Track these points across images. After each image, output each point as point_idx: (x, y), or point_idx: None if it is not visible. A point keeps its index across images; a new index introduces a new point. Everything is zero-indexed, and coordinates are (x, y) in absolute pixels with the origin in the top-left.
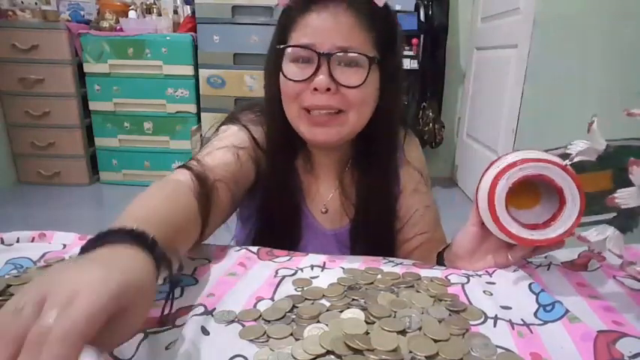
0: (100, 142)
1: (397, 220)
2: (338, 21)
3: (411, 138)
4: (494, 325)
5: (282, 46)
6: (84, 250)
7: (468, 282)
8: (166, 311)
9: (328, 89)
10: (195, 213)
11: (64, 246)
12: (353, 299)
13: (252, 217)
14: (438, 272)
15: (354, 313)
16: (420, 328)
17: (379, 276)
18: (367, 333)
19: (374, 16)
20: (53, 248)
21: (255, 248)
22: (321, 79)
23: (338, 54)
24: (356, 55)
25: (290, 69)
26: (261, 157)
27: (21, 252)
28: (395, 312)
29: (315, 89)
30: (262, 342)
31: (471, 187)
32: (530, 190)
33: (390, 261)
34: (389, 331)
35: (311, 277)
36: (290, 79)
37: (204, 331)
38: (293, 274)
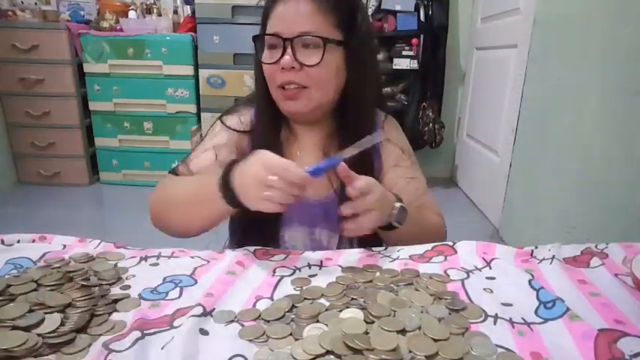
0: (100, 142)
1: None
2: (298, 9)
3: (390, 119)
4: (494, 324)
5: (253, 36)
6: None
7: (467, 277)
8: (165, 312)
9: (293, 68)
10: None
11: (64, 246)
12: (352, 299)
13: None
14: (437, 267)
15: (353, 313)
16: (419, 328)
17: (378, 274)
18: (367, 332)
19: (334, 1)
20: (53, 248)
21: (252, 248)
22: (286, 59)
23: (297, 38)
24: (311, 37)
25: (265, 55)
26: (243, 139)
27: (21, 252)
28: (394, 311)
29: (283, 68)
30: (262, 342)
31: (470, 187)
32: None
33: (386, 256)
34: (388, 331)
35: (309, 276)
36: (265, 63)
37: (203, 332)
38: (291, 274)
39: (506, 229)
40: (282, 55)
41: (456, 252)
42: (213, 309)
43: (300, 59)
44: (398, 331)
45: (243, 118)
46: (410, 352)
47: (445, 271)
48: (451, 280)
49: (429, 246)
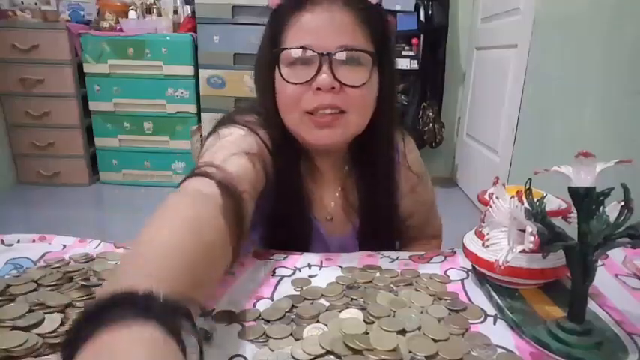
0: (100, 143)
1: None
2: (335, 19)
3: (408, 141)
4: (494, 324)
5: (279, 50)
6: (76, 332)
7: (467, 277)
8: None
9: (332, 88)
10: (224, 239)
11: (64, 246)
12: (352, 299)
13: (257, 226)
14: (436, 267)
15: (353, 313)
16: (419, 328)
17: (378, 274)
18: (367, 333)
19: (369, 13)
20: (53, 248)
21: (250, 249)
22: (325, 77)
23: (339, 53)
24: (359, 52)
25: (287, 72)
26: (269, 162)
27: (21, 252)
28: (394, 311)
29: (318, 89)
30: (262, 342)
31: (470, 187)
32: None
33: (386, 256)
34: (388, 331)
35: (309, 276)
36: (290, 82)
37: (205, 336)
38: (291, 274)
39: None
40: (317, 72)
41: (454, 252)
42: (213, 309)
43: (342, 78)
44: (398, 332)
45: (268, 133)
46: (410, 352)
47: (445, 272)
48: (451, 281)
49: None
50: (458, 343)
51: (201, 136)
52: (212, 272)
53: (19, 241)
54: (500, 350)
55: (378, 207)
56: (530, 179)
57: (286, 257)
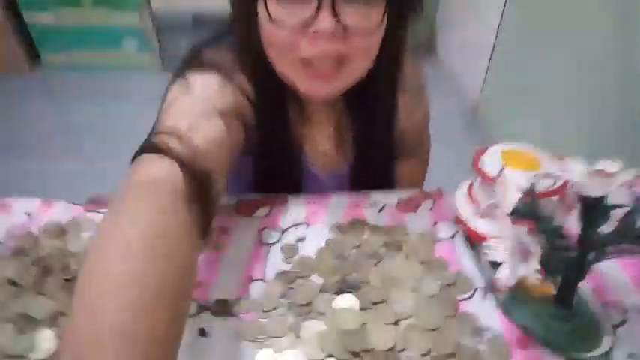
0: (30, 18)
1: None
2: None
3: (408, 60)
4: (483, 298)
5: None
6: None
7: (456, 233)
8: None
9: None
10: (191, 246)
11: (29, 215)
12: (345, 278)
13: (242, 175)
14: (425, 218)
15: (348, 301)
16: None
17: (366, 235)
18: (364, 324)
19: None
20: (15, 220)
21: (233, 200)
22: (326, 21)
23: None
24: None
25: (277, 10)
26: (251, 113)
27: None
28: (387, 297)
29: (315, 32)
30: (261, 340)
31: (450, 56)
32: None
33: (372, 205)
34: (384, 324)
35: (297, 241)
36: (279, 23)
37: (202, 333)
38: (278, 240)
39: (485, 112)
40: (317, 12)
41: (441, 194)
42: (207, 301)
43: (349, 21)
44: (393, 323)
45: (249, 76)
46: (404, 349)
47: (434, 224)
48: (440, 239)
49: (415, 191)
50: (449, 331)
51: (151, 12)
52: (182, 300)
53: None
54: (488, 335)
55: (375, 145)
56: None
57: (270, 212)
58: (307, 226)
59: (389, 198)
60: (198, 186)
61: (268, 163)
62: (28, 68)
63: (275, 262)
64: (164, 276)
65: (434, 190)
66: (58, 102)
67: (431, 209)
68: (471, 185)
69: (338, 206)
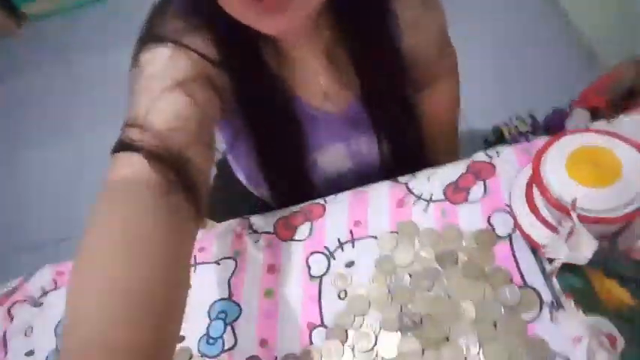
0: None
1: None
2: None
3: None
4: (552, 319)
5: None
6: None
7: (513, 231)
8: None
9: None
10: (181, 240)
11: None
12: (403, 313)
13: (239, 138)
14: (477, 211)
15: (410, 345)
16: (478, 352)
17: (416, 247)
18: None
19: None
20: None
21: (271, 222)
22: None
23: None
24: None
25: None
26: (219, 73)
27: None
28: (449, 331)
29: None
30: None
31: None
32: None
33: (418, 196)
34: None
35: (346, 266)
36: None
37: None
38: (327, 271)
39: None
40: None
41: (494, 169)
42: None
43: None
44: None
45: (205, 36)
46: None
47: (489, 220)
48: (498, 239)
49: (462, 166)
50: None
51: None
52: (170, 305)
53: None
54: None
55: (379, 67)
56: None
57: (311, 230)
58: (353, 244)
59: (434, 181)
60: (172, 172)
61: (257, 119)
62: (14, 26)
63: (329, 299)
64: (148, 280)
65: (484, 164)
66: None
67: (483, 195)
68: (529, 187)
69: (380, 206)
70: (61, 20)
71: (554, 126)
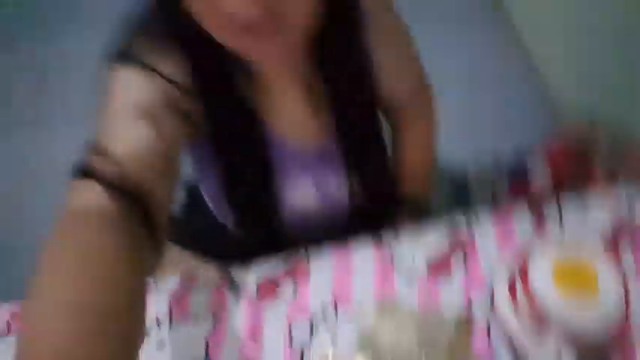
0: None
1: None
2: None
3: None
4: None
5: None
6: None
7: (490, 308)
8: None
9: None
10: (136, 268)
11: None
12: None
13: (207, 163)
14: (457, 289)
15: None
16: None
17: (398, 327)
18: None
19: None
20: None
21: (253, 279)
22: None
23: None
24: None
25: None
26: (187, 100)
27: None
28: None
29: None
30: None
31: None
32: None
33: (402, 265)
34: None
35: (330, 339)
36: None
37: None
38: (309, 340)
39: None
40: None
41: (474, 243)
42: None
43: None
44: None
45: (178, 60)
46: None
47: (469, 299)
48: (476, 325)
49: (444, 238)
50: None
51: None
52: (127, 322)
53: None
54: None
55: (354, 103)
56: None
57: (295, 292)
58: (336, 314)
59: (417, 251)
60: (131, 202)
61: (226, 145)
62: None
63: None
64: (104, 300)
65: (464, 236)
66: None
67: (464, 273)
68: (512, 282)
69: (364, 274)
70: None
71: (518, 174)
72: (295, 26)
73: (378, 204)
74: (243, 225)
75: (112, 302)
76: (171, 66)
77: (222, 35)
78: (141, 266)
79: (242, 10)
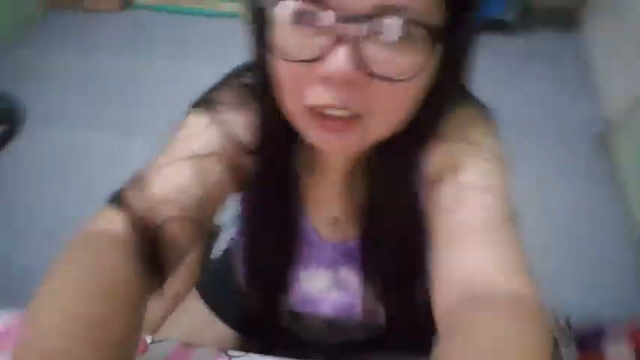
0: None
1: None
2: None
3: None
4: None
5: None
6: None
7: None
8: None
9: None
10: (137, 297)
11: None
12: None
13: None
14: None
15: None
16: None
17: None
18: None
19: None
20: None
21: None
22: (342, 62)
23: (375, 20)
24: (411, 23)
25: (286, 37)
26: (242, 156)
27: None
28: None
29: (326, 78)
30: None
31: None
32: None
33: None
34: None
35: None
36: (284, 58)
37: None
38: None
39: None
40: (331, 48)
41: None
42: None
43: (374, 65)
44: None
45: (246, 118)
46: None
47: None
48: None
49: None
50: None
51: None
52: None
53: None
54: None
55: (385, 208)
56: None
57: None
58: None
59: None
60: (146, 241)
61: (262, 218)
62: (118, 7)
63: None
64: (97, 311)
65: None
66: (140, 43)
67: None
68: None
69: None
70: (161, 14)
71: (588, 345)
72: (374, 134)
73: (402, 327)
74: (252, 293)
75: (106, 314)
76: (241, 121)
77: (299, 124)
78: (140, 291)
79: (328, 105)
